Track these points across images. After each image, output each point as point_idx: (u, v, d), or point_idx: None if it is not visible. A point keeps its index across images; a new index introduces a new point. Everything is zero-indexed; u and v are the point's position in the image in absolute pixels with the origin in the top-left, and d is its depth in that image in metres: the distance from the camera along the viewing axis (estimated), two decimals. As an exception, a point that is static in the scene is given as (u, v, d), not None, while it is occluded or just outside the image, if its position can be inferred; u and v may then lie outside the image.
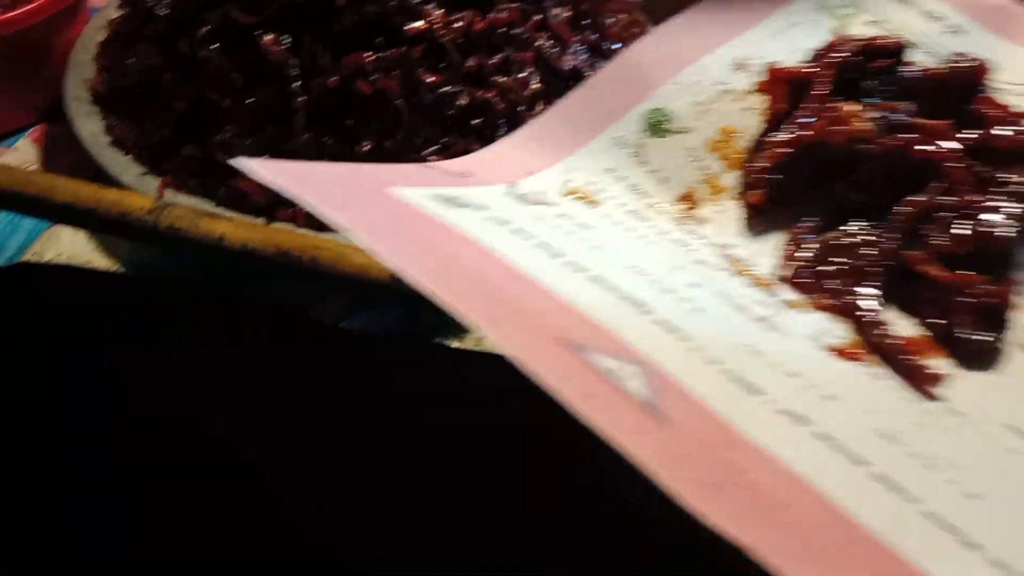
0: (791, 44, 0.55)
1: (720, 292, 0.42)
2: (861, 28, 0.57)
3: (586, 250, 0.41)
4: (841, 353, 0.40)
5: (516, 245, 0.39)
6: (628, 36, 0.73)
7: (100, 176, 0.66)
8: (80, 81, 0.72)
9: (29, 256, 0.68)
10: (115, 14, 0.77)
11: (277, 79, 0.61)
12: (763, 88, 0.51)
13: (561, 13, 0.64)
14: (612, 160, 0.48)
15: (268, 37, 0.60)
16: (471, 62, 0.60)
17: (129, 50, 0.68)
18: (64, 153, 0.77)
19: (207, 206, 0.63)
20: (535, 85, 0.63)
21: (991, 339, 0.40)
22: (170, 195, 0.63)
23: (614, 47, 0.69)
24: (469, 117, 0.61)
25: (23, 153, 0.76)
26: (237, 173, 0.63)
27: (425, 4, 0.59)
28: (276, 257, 0.59)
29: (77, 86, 0.71)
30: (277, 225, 0.62)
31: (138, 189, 0.63)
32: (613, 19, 0.69)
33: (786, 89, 0.48)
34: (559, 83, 0.65)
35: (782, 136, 0.47)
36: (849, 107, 0.45)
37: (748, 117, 0.51)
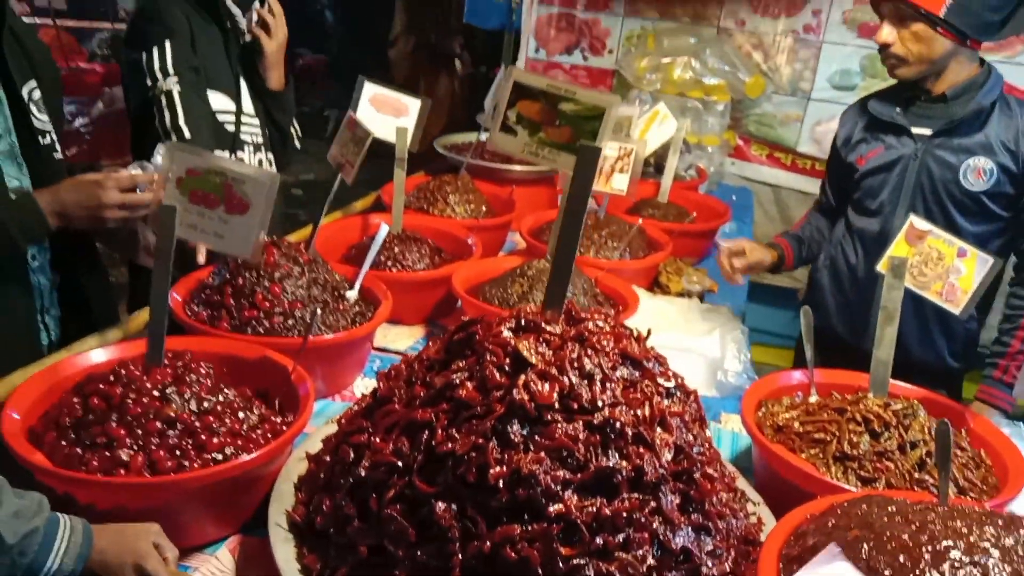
0: None
1: None
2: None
3: None
4: None
5: None
6: (728, 513, 0.86)
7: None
8: (281, 509, 0.90)
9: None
10: (315, 447, 0.98)
11: (441, 538, 0.76)
12: None
13: (673, 500, 0.79)
14: None
15: (440, 505, 0.76)
16: (599, 539, 0.74)
17: (326, 494, 0.86)
18: (254, 564, 0.93)
19: (371, 639, 0.76)
20: (650, 561, 0.76)
21: None
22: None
23: (719, 524, 0.83)
24: (594, 586, 0.74)
25: (223, 562, 0.93)
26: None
27: (564, 490, 0.75)
28: None
29: (278, 513, 0.89)
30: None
31: (317, 616, 0.77)
32: (716, 499, 0.83)
33: None
34: (670, 559, 0.77)
35: None
36: None
37: None
